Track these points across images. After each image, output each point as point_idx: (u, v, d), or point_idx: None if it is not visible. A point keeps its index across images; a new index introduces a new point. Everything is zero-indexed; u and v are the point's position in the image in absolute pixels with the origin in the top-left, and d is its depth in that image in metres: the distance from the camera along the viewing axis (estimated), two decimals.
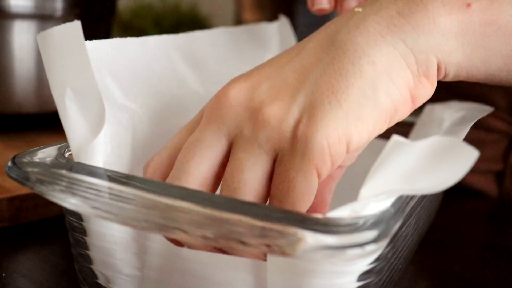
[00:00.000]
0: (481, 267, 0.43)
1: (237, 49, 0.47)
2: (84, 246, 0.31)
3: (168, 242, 0.27)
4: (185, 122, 0.41)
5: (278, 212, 0.24)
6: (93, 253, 0.31)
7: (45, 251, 0.41)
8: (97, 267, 0.31)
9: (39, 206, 0.46)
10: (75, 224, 0.31)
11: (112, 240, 0.29)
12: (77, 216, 0.30)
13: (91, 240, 0.30)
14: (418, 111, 0.52)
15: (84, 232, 0.31)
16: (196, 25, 2.15)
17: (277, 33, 0.52)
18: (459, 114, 0.41)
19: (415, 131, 0.49)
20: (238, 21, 2.15)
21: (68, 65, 0.29)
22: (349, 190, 0.52)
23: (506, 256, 0.45)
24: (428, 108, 0.50)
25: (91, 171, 0.28)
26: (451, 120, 0.41)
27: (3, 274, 0.38)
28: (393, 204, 0.26)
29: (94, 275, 0.31)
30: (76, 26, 0.29)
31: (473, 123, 0.36)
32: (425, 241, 0.45)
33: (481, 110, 0.41)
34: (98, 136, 0.30)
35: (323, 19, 0.67)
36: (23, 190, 0.46)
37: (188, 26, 2.11)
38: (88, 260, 0.31)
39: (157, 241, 0.28)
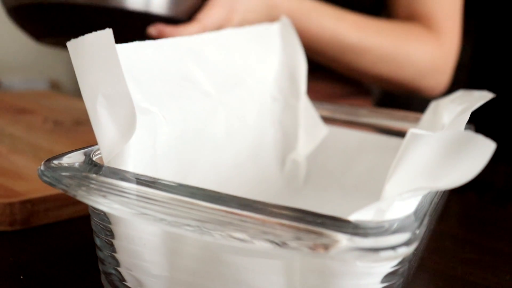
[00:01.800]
0: (482, 270, 0.44)
1: (243, 50, 0.49)
2: (111, 248, 0.32)
3: (203, 245, 0.28)
4: (201, 123, 0.42)
5: (314, 216, 0.25)
6: (120, 256, 0.31)
7: (57, 254, 0.42)
8: (124, 269, 0.32)
9: (50, 210, 0.47)
10: (102, 227, 0.32)
11: (140, 242, 0.30)
12: (105, 219, 0.31)
13: (119, 242, 0.31)
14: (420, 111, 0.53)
15: (111, 235, 0.31)
16: None
17: (279, 33, 0.53)
18: (461, 107, 0.42)
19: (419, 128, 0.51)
20: None
21: (100, 72, 0.30)
22: (354, 186, 0.54)
23: (504, 260, 0.47)
24: (433, 104, 0.51)
25: (124, 175, 0.29)
26: (453, 114, 0.42)
27: (21, 277, 0.38)
28: (421, 204, 0.27)
29: (121, 277, 0.32)
30: (107, 34, 0.30)
31: (472, 110, 0.37)
32: (426, 245, 0.46)
33: (481, 97, 0.42)
34: (129, 141, 0.31)
35: None
36: (35, 194, 0.46)
37: None
38: (115, 262, 0.32)
39: (190, 244, 0.29)
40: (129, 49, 0.36)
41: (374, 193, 0.52)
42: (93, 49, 0.30)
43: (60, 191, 0.31)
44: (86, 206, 0.29)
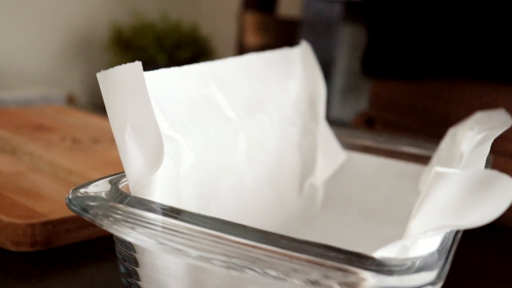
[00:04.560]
0: None
1: (264, 75, 0.49)
2: (136, 277, 0.32)
3: (227, 276, 0.29)
4: (222, 149, 0.42)
5: (337, 252, 0.26)
6: (144, 284, 0.32)
7: (76, 275, 0.42)
8: None
9: (70, 231, 0.47)
10: (126, 254, 0.32)
11: (165, 272, 0.31)
12: (130, 247, 0.32)
13: (143, 271, 0.31)
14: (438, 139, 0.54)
15: (136, 263, 0.32)
16: (196, 45, 2.18)
17: (299, 58, 0.53)
18: (480, 135, 0.42)
19: (436, 157, 0.51)
20: (239, 42, 2.18)
21: (128, 103, 0.31)
22: (372, 211, 0.54)
23: None
24: (451, 131, 0.51)
25: (150, 206, 0.30)
26: (472, 142, 0.41)
27: None
28: (444, 241, 0.28)
29: None
30: (137, 67, 0.30)
31: (493, 140, 0.37)
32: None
33: (500, 124, 0.42)
34: (156, 172, 0.31)
35: (324, 42, 0.69)
36: (55, 215, 0.47)
37: (189, 46, 2.13)
38: None
39: (214, 276, 0.29)
40: (156, 76, 0.36)
41: (391, 219, 0.52)
42: (122, 81, 0.31)
43: None
44: None
